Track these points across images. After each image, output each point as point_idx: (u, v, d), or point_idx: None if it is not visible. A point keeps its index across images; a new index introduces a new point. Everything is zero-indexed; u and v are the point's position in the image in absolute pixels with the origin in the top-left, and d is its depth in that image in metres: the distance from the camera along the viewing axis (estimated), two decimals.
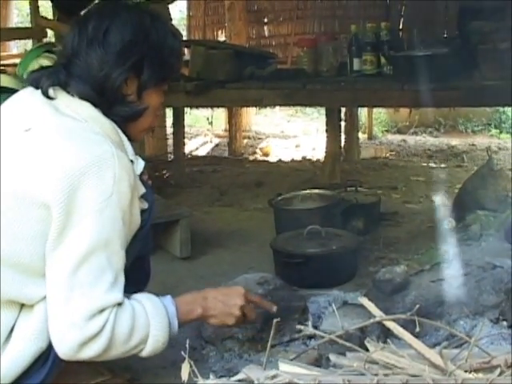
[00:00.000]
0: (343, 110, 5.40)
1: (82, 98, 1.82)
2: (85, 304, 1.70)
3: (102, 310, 1.71)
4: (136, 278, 1.95)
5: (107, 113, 1.83)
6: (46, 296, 1.74)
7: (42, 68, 1.94)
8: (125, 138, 1.87)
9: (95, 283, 1.71)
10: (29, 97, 1.85)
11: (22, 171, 1.73)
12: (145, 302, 1.83)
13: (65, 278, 1.70)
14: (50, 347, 1.77)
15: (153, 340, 1.81)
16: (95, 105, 1.82)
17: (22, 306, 1.78)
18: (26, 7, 8.23)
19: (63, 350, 1.72)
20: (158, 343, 1.82)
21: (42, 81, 1.82)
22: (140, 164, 1.88)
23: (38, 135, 1.76)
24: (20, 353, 1.75)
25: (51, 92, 1.82)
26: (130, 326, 1.76)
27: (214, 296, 1.98)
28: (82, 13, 1.90)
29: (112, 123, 1.84)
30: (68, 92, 1.83)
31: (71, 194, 1.68)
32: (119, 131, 1.86)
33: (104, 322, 1.71)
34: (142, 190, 1.91)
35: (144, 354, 1.83)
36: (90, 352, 1.72)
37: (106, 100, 1.83)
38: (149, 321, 1.80)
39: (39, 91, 1.83)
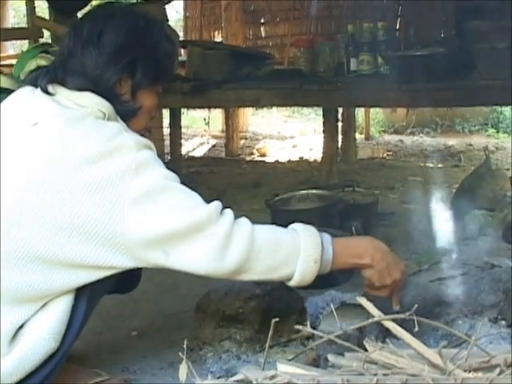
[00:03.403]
0: (340, 110, 5.40)
1: (81, 90, 1.84)
2: (202, 213, 1.71)
3: (221, 212, 1.74)
4: (126, 279, 1.93)
5: None
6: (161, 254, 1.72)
7: (40, 68, 1.96)
8: (124, 125, 1.86)
9: (193, 200, 1.74)
10: (29, 95, 1.87)
11: (35, 163, 1.73)
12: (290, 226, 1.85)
13: (166, 222, 1.69)
14: (58, 347, 1.77)
15: (305, 255, 1.78)
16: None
17: (34, 305, 1.76)
18: (22, 8, 8.22)
19: (210, 266, 1.72)
20: (310, 261, 1.78)
21: (40, 79, 1.85)
22: None
23: (45, 129, 1.77)
24: (32, 350, 1.74)
25: (50, 88, 1.84)
26: (272, 233, 1.79)
27: (383, 254, 1.93)
28: (79, 15, 1.92)
29: (113, 107, 1.85)
30: (68, 88, 1.85)
31: (98, 177, 1.68)
32: (118, 117, 1.87)
33: (231, 217, 1.74)
34: None
35: (296, 276, 1.80)
36: (235, 252, 1.72)
37: (101, 97, 1.84)
38: (298, 234, 1.81)
39: (38, 89, 1.85)
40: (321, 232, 1.87)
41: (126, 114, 1.89)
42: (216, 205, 1.76)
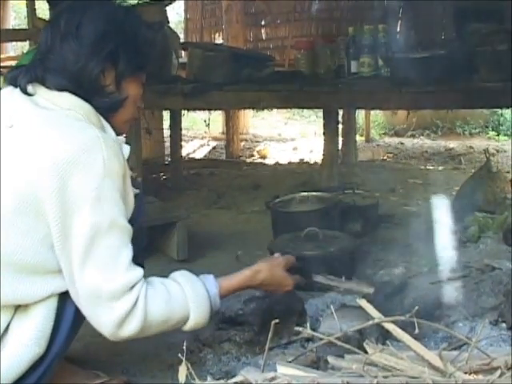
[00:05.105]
0: (341, 112, 5.39)
1: (61, 90, 1.81)
2: (110, 287, 1.71)
3: (131, 287, 1.74)
4: None
5: None
6: (73, 290, 1.74)
7: (19, 66, 1.93)
8: (107, 124, 1.85)
9: (114, 264, 1.72)
10: (8, 95, 1.84)
11: (9, 168, 1.71)
12: (184, 283, 1.87)
13: (80, 270, 1.70)
14: (45, 351, 1.75)
15: (194, 322, 1.88)
16: (75, 94, 1.81)
17: (16, 309, 1.75)
18: (23, 9, 8.22)
19: (104, 332, 1.78)
20: (198, 324, 1.89)
21: (19, 78, 1.82)
22: (125, 148, 1.86)
23: (21, 131, 1.74)
24: (16, 358, 1.72)
25: (30, 88, 1.81)
26: (165, 306, 1.80)
27: (263, 286, 2.12)
28: (54, 10, 1.89)
29: (92, 108, 1.82)
30: (47, 87, 1.81)
31: (62, 185, 1.66)
32: (101, 117, 1.84)
33: (135, 298, 1.74)
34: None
35: (188, 328, 1.90)
36: (129, 330, 1.76)
37: (84, 92, 1.81)
38: (188, 304, 1.85)
39: (18, 89, 1.82)
40: (204, 277, 1.94)
41: (112, 105, 1.87)
42: (130, 278, 1.74)
